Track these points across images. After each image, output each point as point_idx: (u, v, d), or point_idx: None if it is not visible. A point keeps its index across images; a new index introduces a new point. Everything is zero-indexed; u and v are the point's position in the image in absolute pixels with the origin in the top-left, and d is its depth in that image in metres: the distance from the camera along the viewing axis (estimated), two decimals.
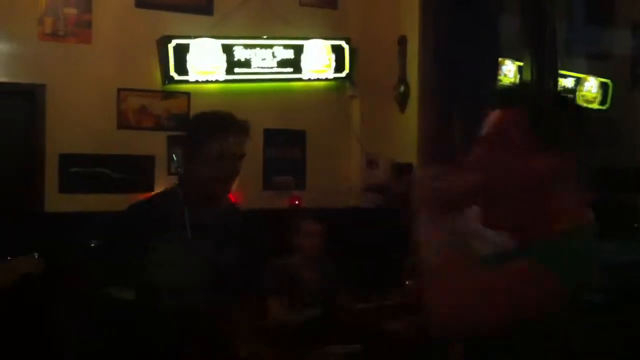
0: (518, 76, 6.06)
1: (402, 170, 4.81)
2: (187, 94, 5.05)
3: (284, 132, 5.33)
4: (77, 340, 2.61)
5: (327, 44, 5.45)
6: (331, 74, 5.48)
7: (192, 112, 4.98)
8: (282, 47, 5.31)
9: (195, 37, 5.02)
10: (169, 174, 4.79)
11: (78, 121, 4.66)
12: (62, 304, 3.53)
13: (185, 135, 2.51)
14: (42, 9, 4.68)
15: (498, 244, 2.00)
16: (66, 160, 4.64)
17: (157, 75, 4.96)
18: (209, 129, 2.37)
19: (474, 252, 1.35)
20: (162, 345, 2.33)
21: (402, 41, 5.46)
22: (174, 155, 4.82)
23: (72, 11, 4.77)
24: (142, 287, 2.33)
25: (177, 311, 2.33)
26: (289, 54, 5.33)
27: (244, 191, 5.09)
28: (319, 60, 5.43)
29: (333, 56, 5.45)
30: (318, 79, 5.46)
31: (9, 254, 2.74)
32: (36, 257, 2.62)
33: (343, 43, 5.49)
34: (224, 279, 2.41)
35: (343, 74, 5.50)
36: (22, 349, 3.98)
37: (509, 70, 5.98)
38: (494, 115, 1.38)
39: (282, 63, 5.31)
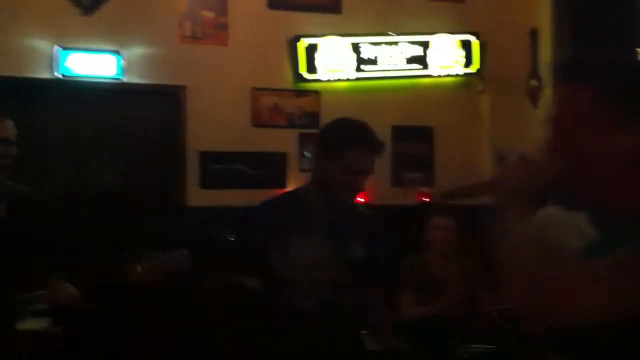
0: None
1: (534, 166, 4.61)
2: (318, 92, 5.16)
3: (412, 129, 5.34)
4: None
5: (455, 38, 5.40)
6: (460, 69, 5.42)
7: (323, 110, 5.10)
8: (409, 44, 5.31)
9: (324, 35, 5.12)
10: (301, 170, 4.91)
11: (216, 120, 4.88)
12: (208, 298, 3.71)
13: (321, 139, 2.59)
14: (181, 13, 4.92)
15: (587, 234, 1.93)
16: (206, 157, 4.87)
17: (289, 74, 5.11)
18: (346, 143, 2.45)
19: (563, 244, 1.25)
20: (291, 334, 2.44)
21: (533, 34, 5.33)
22: (306, 153, 4.94)
23: (209, 14, 4.99)
24: (275, 280, 2.46)
25: (308, 303, 2.45)
26: (417, 50, 5.32)
27: (373, 188, 5.16)
28: (447, 55, 5.39)
29: (461, 51, 5.39)
30: (446, 75, 5.42)
31: (157, 248, 2.88)
32: (185, 252, 2.75)
33: (472, 37, 5.41)
34: (353, 274, 2.50)
35: (472, 69, 5.43)
36: (171, 340, 4.22)
37: None
38: (564, 92, 1.25)
39: (410, 59, 5.31)
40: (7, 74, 4.45)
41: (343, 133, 2.50)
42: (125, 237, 4.25)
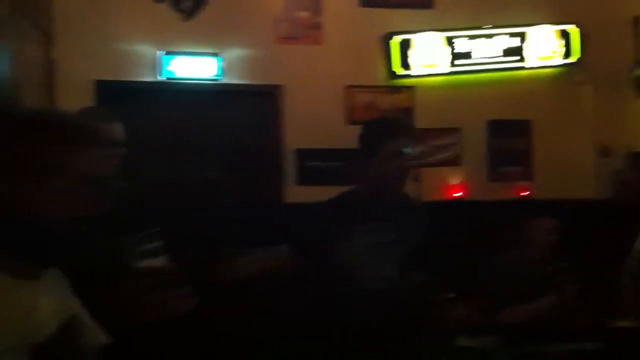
0: None
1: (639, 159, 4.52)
2: (412, 88, 5.16)
3: (508, 123, 5.24)
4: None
5: (553, 29, 5.26)
6: (559, 61, 5.28)
7: (418, 106, 5.10)
8: (505, 36, 5.22)
9: (417, 31, 5.11)
10: None
11: (311, 118, 4.96)
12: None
13: (361, 136, 2.74)
14: (277, 15, 5.04)
15: None
16: (302, 154, 4.98)
17: (383, 71, 5.13)
18: (378, 133, 2.64)
19: None
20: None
21: (637, 22, 5.13)
22: (404, 149, 4.95)
23: (304, 14, 5.09)
24: (338, 270, 2.56)
25: (373, 290, 2.55)
26: (513, 42, 5.22)
27: (469, 183, 5.12)
28: (545, 46, 5.26)
29: (560, 41, 5.25)
30: (544, 66, 5.29)
31: (257, 244, 2.96)
32: (286, 249, 2.82)
33: (571, 27, 5.26)
34: (406, 269, 2.64)
35: (571, 60, 5.27)
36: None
37: None
38: None
39: (506, 52, 5.22)
40: (115, 78, 4.69)
41: (377, 126, 2.73)
42: (225, 233, 4.40)
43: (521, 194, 5.08)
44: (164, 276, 1.38)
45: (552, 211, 3.98)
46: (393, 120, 2.74)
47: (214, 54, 4.88)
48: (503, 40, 5.20)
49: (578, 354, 3.09)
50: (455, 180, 5.11)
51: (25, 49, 4.25)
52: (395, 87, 5.15)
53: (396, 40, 5.07)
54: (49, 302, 1.21)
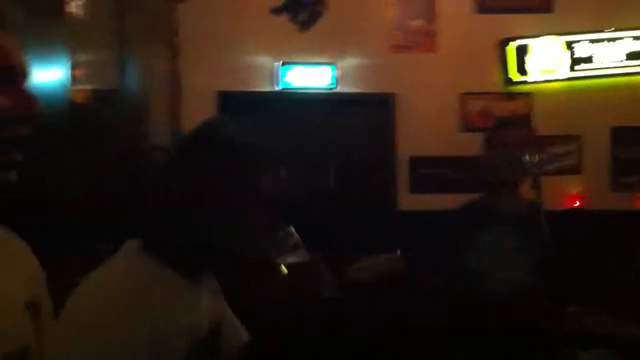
0: None
1: None
2: (529, 95, 5.05)
3: (634, 129, 5.02)
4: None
5: None
6: None
7: (536, 113, 4.98)
8: (628, 39, 5.01)
9: (535, 36, 5.00)
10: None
11: (425, 126, 4.97)
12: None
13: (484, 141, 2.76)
14: (391, 23, 5.08)
15: None
16: (415, 162, 4.99)
17: (499, 78, 5.06)
18: (495, 137, 2.71)
19: None
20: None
21: None
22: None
23: (418, 22, 5.10)
24: (467, 277, 2.57)
25: (498, 297, 2.52)
26: (637, 46, 5.00)
27: (590, 192, 4.94)
28: None
29: None
30: None
31: (371, 251, 3.01)
32: (398, 254, 2.86)
33: None
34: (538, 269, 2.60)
35: None
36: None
37: None
38: None
39: (629, 55, 5.01)
40: (236, 88, 4.90)
41: (494, 134, 2.75)
42: (339, 239, 4.48)
43: None
44: (311, 267, 1.46)
45: None
46: (509, 126, 2.79)
47: (329, 64, 4.99)
48: (626, 44, 5.00)
49: None
50: (574, 189, 4.95)
51: (153, 63, 4.53)
52: (512, 93, 5.06)
53: (513, 45, 4.99)
54: (205, 304, 1.27)
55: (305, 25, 5.00)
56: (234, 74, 4.92)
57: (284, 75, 4.94)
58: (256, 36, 4.96)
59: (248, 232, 1.23)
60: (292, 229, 1.52)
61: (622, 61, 5.01)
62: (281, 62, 4.93)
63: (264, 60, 4.97)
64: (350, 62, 5.06)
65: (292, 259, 1.46)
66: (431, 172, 4.94)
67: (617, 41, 5.00)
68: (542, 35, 5.01)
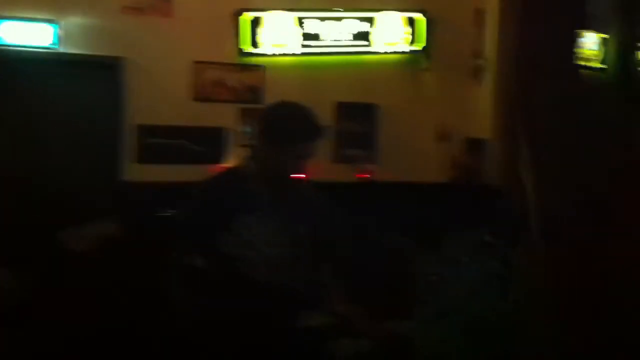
0: (603, 49, 5.84)
1: (475, 145, 4.82)
2: (263, 67, 5.10)
3: (356, 106, 5.31)
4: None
5: (402, 15, 5.38)
6: (406, 47, 5.40)
7: (268, 85, 5.04)
8: (355, 20, 5.27)
9: (269, 10, 5.05)
10: (242, 146, 4.85)
11: (157, 93, 4.79)
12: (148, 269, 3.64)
13: (269, 125, 2.52)
14: None
15: None
16: (144, 131, 4.79)
17: (233, 48, 5.03)
18: (297, 135, 2.45)
19: None
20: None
21: (479, 13, 5.34)
22: (246, 129, 4.89)
23: None
24: (222, 258, 2.43)
25: (257, 280, 2.44)
26: (362, 27, 5.28)
27: (314, 164, 5.14)
28: (393, 32, 5.36)
29: (408, 28, 5.37)
30: (392, 52, 5.40)
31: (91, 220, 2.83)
32: (114, 222, 2.72)
33: (418, 15, 5.39)
34: (301, 251, 2.53)
35: (418, 47, 5.42)
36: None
37: (593, 43, 5.75)
38: None
39: (356, 36, 5.28)
40: None
41: (294, 124, 2.48)
42: (61, 209, 4.18)
43: (365, 176, 5.17)
44: None
45: (393, 193, 4.09)
46: (308, 121, 2.49)
47: (51, 21, 4.58)
48: (352, 24, 5.25)
49: None
50: None
51: None
52: (246, 65, 5.07)
53: (246, 16, 4.99)
54: None
55: None
56: None
57: None
58: None
59: None
60: None
61: (347, 40, 5.25)
62: None
63: None
64: (75, 20, 4.70)
65: None
66: (161, 142, 4.78)
67: (343, 21, 5.23)
68: (276, 9, 5.08)
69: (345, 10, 5.24)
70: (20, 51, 4.55)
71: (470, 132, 5.27)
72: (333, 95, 5.21)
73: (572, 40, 4.82)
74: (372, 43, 5.30)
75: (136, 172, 4.75)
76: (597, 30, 5.63)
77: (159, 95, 4.82)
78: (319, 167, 5.02)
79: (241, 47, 5.00)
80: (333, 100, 5.21)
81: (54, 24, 4.61)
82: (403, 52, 5.42)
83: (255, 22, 5.01)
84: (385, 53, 5.37)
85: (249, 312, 2.44)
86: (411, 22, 5.38)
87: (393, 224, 4.14)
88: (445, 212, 4.39)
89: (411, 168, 5.20)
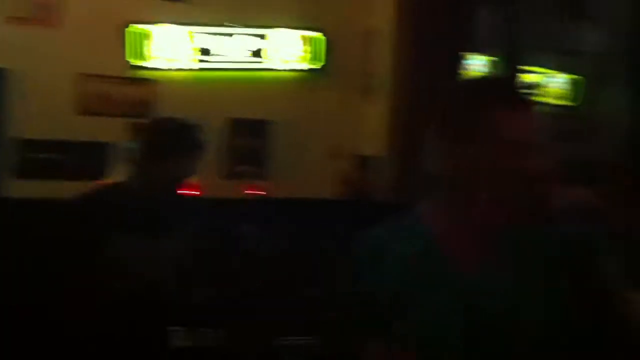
0: (492, 71, 6.03)
1: (364, 162, 4.87)
2: (153, 81, 5.01)
3: (250, 122, 5.28)
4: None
5: (298, 33, 5.40)
6: (304, 65, 5.42)
7: (160, 100, 4.94)
8: (248, 36, 5.25)
9: (159, 23, 4.97)
10: (126, 161, 4.73)
11: (39, 106, 4.63)
12: None
13: (148, 140, 2.53)
14: None
15: None
16: (25, 145, 4.62)
17: (122, 61, 4.92)
18: (169, 148, 2.45)
19: None
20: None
21: (372, 33, 5.43)
22: (131, 143, 4.78)
23: None
24: (98, 272, 2.37)
25: (129, 294, 2.40)
26: (257, 43, 5.27)
27: (203, 179, 5.06)
28: (289, 50, 5.38)
29: (304, 46, 5.40)
30: (289, 69, 5.41)
31: None
32: None
33: (314, 33, 5.43)
34: (177, 268, 2.52)
35: (317, 65, 5.44)
36: None
37: (482, 65, 5.94)
38: None
39: (250, 52, 5.26)
40: None
41: (172, 138, 2.47)
42: None
43: (254, 192, 5.14)
44: None
45: (285, 210, 4.06)
46: (187, 136, 2.51)
47: None
48: (245, 40, 5.22)
49: None
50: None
51: None
52: (135, 79, 4.97)
53: (134, 29, 4.89)
54: None
55: None
56: None
57: None
58: None
59: None
60: None
61: (241, 56, 5.22)
62: None
63: None
64: None
65: None
66: (42, 156, 4.62)
67: (235, 37, 5.20)
68: (172, 23, 5.00)
69: (238, 27, 5.22)
70: None
71: (363, 150, 5.33)
72: (227, 111, 5.17)
73: (458, 62, 4.99)
74: (266, 60, 5.29)
75: (16, 188, 4.56)
76: (484, 52, 5.82)
77: (42, 108, 4.65)
78: (208, 183, 5.00)
79: (128, 59, 4.89)
80: (227, 116, 5.17)
81: None
82: (300, 70, 5.43)
83: (144, 36, 4.92)
84: (282, 70, 5.38)
85: (115, 332, 2.39)
86: (308, 39, 5.41)
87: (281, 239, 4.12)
88: (332, 228, 4.42)
89: (305, 184, 5.20)
